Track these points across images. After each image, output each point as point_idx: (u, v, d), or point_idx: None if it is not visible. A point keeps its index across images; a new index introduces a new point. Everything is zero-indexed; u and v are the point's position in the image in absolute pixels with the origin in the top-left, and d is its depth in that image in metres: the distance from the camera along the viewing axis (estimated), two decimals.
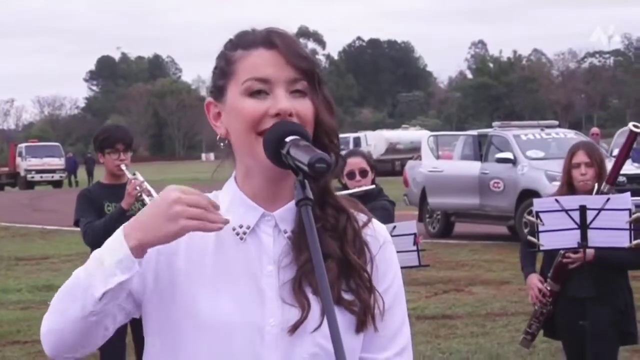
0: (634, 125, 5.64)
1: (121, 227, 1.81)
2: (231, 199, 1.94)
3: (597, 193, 5.55)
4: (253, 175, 1.91)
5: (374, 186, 6.01)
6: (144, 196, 5.87)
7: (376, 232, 1.97)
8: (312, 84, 1.89)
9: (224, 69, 1.93)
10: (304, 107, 1.87)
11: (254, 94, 1.87)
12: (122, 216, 5.69)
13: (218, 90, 1.94)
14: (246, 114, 1.86)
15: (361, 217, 1.96)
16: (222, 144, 1.96)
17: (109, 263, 1.78)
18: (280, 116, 1.84)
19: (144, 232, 1.77)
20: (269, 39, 1.90)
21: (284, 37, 1.91)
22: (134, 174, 6.00)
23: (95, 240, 5.74)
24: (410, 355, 1.99)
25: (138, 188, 5.86)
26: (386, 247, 1.98)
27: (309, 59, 1.91)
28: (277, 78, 1.87)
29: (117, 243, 1.79)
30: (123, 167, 6.06)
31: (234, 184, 1.96)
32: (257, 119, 1.85)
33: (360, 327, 1.89)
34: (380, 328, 1.92)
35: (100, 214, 6.01)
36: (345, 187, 5.96)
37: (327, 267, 1.80)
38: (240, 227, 1.91)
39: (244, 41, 1.93)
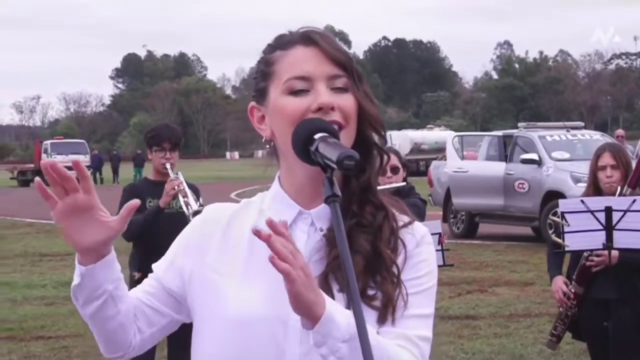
0: None
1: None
2: (272, 197, 2.00)
3: (619, 196, 5.52)
4: (295, 174, 1.94)
5: (404, 183, 5.97)
6: (180, 197, 6.09)
7: (415, 231, 1.96)
8: (351, 79, 1.91)
9: (264, 72, 1.96)
10: (346, 101, 1.89)
11: (295, 92, 1.89)
12: (159, 213, 6.03)
13: (260, 93, 1.97)
14: (289, 111, 1.88)
15: (402, 218, 1.96)
16: (268, 146, 1.99)
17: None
18: (322, 110, 1.86)
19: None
20: (307, 36, 1.93)
21: (321, 34, 1.94)
22: (177, 174, 6.19)
23: (130, 232, 5.87)
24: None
25: (175, 188, 6.06)
26: (424, 247, 1.95)
27: (347, 54, 1.93)
28: (318, 74, 1.89)
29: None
30: (168, 165, 6.25)
31: (277, 183, 2.00)
32: (299, 115, 1.87)
33: (380, 321, 1.88)
34: (415, 307, 1.88)
35: (142, 209, 6.14)
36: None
37: (354, 262, 1.78)
38: None
39: (282, 42, 1.96)
